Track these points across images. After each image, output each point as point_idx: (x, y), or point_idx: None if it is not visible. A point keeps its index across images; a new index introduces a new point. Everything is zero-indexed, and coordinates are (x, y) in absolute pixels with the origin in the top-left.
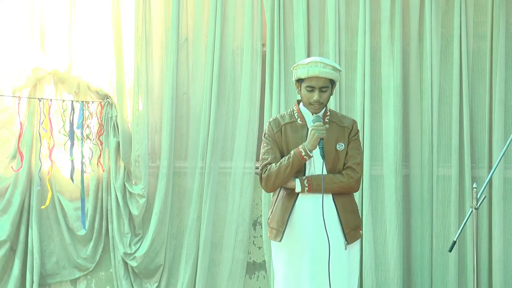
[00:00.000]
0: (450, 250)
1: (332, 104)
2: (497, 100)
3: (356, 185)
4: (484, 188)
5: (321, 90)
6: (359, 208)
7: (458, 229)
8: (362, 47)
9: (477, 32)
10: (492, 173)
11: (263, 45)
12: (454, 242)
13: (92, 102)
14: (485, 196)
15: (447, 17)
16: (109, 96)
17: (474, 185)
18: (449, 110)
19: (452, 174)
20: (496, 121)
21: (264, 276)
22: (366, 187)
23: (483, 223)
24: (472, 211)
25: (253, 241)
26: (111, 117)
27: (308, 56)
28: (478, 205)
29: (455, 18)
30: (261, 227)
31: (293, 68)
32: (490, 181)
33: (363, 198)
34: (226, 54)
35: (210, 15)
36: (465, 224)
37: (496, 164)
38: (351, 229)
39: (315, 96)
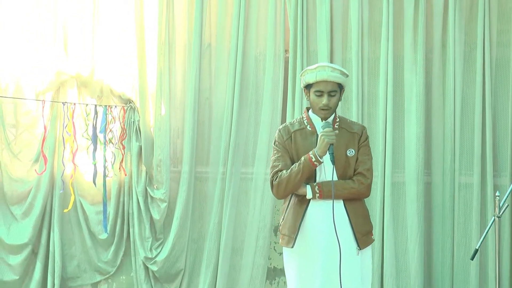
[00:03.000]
0: (472, 258)
1: (354, 111)
2: None
3: (367, 190)
4: (507, 196)
5: (330, 94)
6: (381, 215)
7: (480, 237)
8: (385, 54)
9: (500, 40)
10: None
11: (286, 51)
12: (476, 250)
13: (115, 106)
14: (508, 205)
15: (470, 24)
16: (132, 101)
17: (497, 193)
18: (472, 118)
19: (474, 182)
20: None
21: (284, 282)
22: (387, 194)
23: (505, 231)
24: (494, 219)
25: (274, 246)
26: (133, 122)
27: (331, 62)
28: (500, 213)
29: (479, 25)
30: None
31: (301, 75)
32: None
33: (384, 205)
34: (249, 60)
35: (233, 21)
36: (487, 232)
37: None
38: (363, 234)
39: (324, 100)
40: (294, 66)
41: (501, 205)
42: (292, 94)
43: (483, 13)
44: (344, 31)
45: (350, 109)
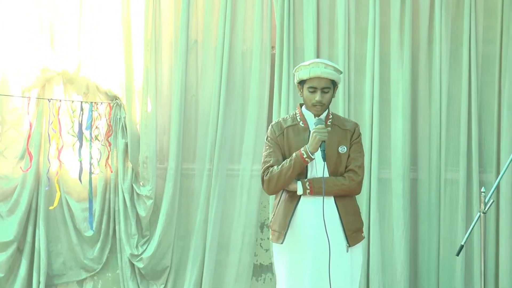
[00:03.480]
0: (458, 254)
1: (340, 107)
2: (506, 105)
3: (358, 187)
4: (492, 192)
5: (323, 90)
6: (367, 211)
7: (465, 233)
8: (371, 51)
9: (486, 37)
10: (501, 178)
11: (273, 47)
12: (462, 246)
13: (101, 103)
14: (493, 201)
15: (456, 21)
16: (118, 97)
17: (483, 190)
18: (458, 115)
19: (460, 178)
20: (504, 126)
21: (270, 279)
22: (373, 191)
23: (491, 227)
24: (480, 215)
25: (260, 243)
26: (119, 118)
27: (317, 58)
28: (486, 209)
29: (465, 22)
30: (268, 230)
31: (295, 71)
32: (498, 185)
33: (370, 201)
34: (235, 56)
35: (220, 17)
36: (472, 228)
37: (504, 168)
38: (353, 231)
39: (317, 96)
40: (280, 63)
41: (486, 201)
42: (279, 90)
43: (469, 10)
44: (331, 28)
45: (336, 106)
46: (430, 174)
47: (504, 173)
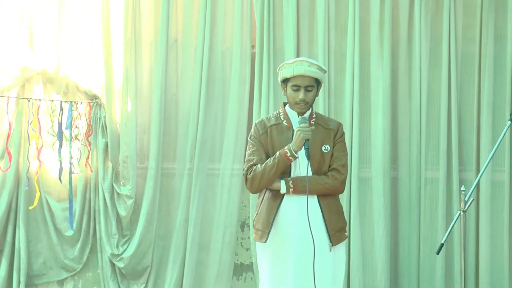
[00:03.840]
0: (438, 253)
1: (321, 105)
2: (485, 103)
3: (341, 186)
4: (472, 191)
5: (307, 89)
6: (347, 210)
7: (446, 231)
8: (351, 49)
9: (466, 35)
10: (480, 176)
11: (253, 46)
12: (442, 245)
13: (81, 102)
14: (473, 199)
15: (436, 19)
16: (98, 97)
17: (462, 188)
18: (438, 113)
19: (440, 176)
20: (484, 124)
21: (251, 278)
22: (354, 189)
23: (471, 225)
24: (460, 213)
25: (241, 242)
26: (99, 118)
27: (298, 57)
28: (466, 207)
29: (444, 20)
30: (249, 229)
31: (279, 69)
32: (478, 184)
33: (351, 200)
34: (216, 56)
35: (200, 17)
36: (452, 226)
37: (484, 167)
38: (336, 230)
39: (301, 95)
40: (260, 62)
41: (466, 199)
42: (259, 89)
43: (449, 8)
44: (311, 27)
45: (316, 104)
46: (410, 173)
47: (484, 171)
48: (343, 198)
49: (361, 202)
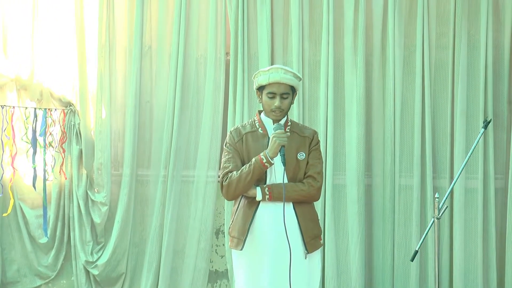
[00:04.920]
0: (412, 260)
1: (295, 113)
2: (459, 111)
3: (317, 193)
4: (446, 198)
5: (282, 96)
6: (321, 217)
7: (420, 238)
8: (325, 57)
9: (439, 43)
10: (454, 183)
11: (227, 53)
12: (416, 252)
13: (55, 109)
14: (447, 206)
15: (409, 27)
16: (72, 104)
17: (436, 195)
18: (411, 120)
19: (414, 184)
20: (457, 132)
21: (226, 285)
22: (328, 196)
23: (444, 232)
24: (434, 221)
25: (216, 249)
26: (74, 125)
27: (272, 65)
28: (440, 215)
29: (418, 28)
30: (224, 236)
31: (254, 77)
32: (452, 191)
33: (325, 207)
34: (190, 63)
35: (174, 23)
36: (427, 233)
37: (458, 174)
38: (311, 238)
39: (276, 102)
40: (235, 69)
41: (440, 206)
42: (233, 96)
43: (422, 16)
44: (285, 34)
45: (291, 112)
46: (385, 180)
47: (457, 179)
48: (317, 205)
49: (335, 209)
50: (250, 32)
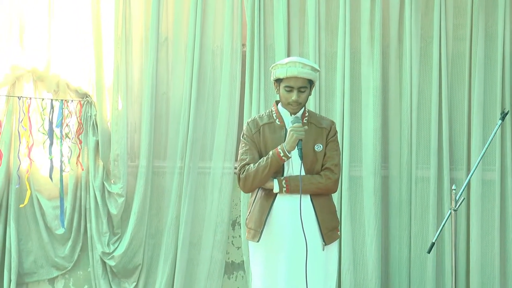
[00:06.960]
0: (429, 252)
1: (311, 105)
2: (476, 102)
3: (334, 186)
4: (463, 190)
5: (300, 90)
6: (338, 208)
7: (437, 230)
8: (342, 48)
9: (456, 34)
10: (471, 175)
11: (243, 45)
12: (433, 244)
13: (72, 100)
14: (464, 198)
15: (426, 19)
16: (89, 95)
17: (453, 187)
18: (428, 112)
19: (431, 175)
20: (474, 123)
21: (242, 277)
22: (345, 188)
23: (461, 224)
24: (450, 212)
25: (232, 241)
26: (90, 116)
27: (288, 56)
28: (457, 206)
29: (435, 20)
30: (240, 227)
31: (272, 68)
32: (469, 183)
33: (342, 199)
34: (206, 54)
35: (190, 15)
36: (443, 225)
37: (475, 166)
38: (329, 229)
39: (294, 96)
40: (251, 60)
41: (457, 198)
42: (250, 88)
43: (439, 7)
44: (301, 26)
45: (307, 104)
46: (401, 172)
47: (474, 170)
48: (334, 197)
49: (352, 201)
50: (266, 23)
